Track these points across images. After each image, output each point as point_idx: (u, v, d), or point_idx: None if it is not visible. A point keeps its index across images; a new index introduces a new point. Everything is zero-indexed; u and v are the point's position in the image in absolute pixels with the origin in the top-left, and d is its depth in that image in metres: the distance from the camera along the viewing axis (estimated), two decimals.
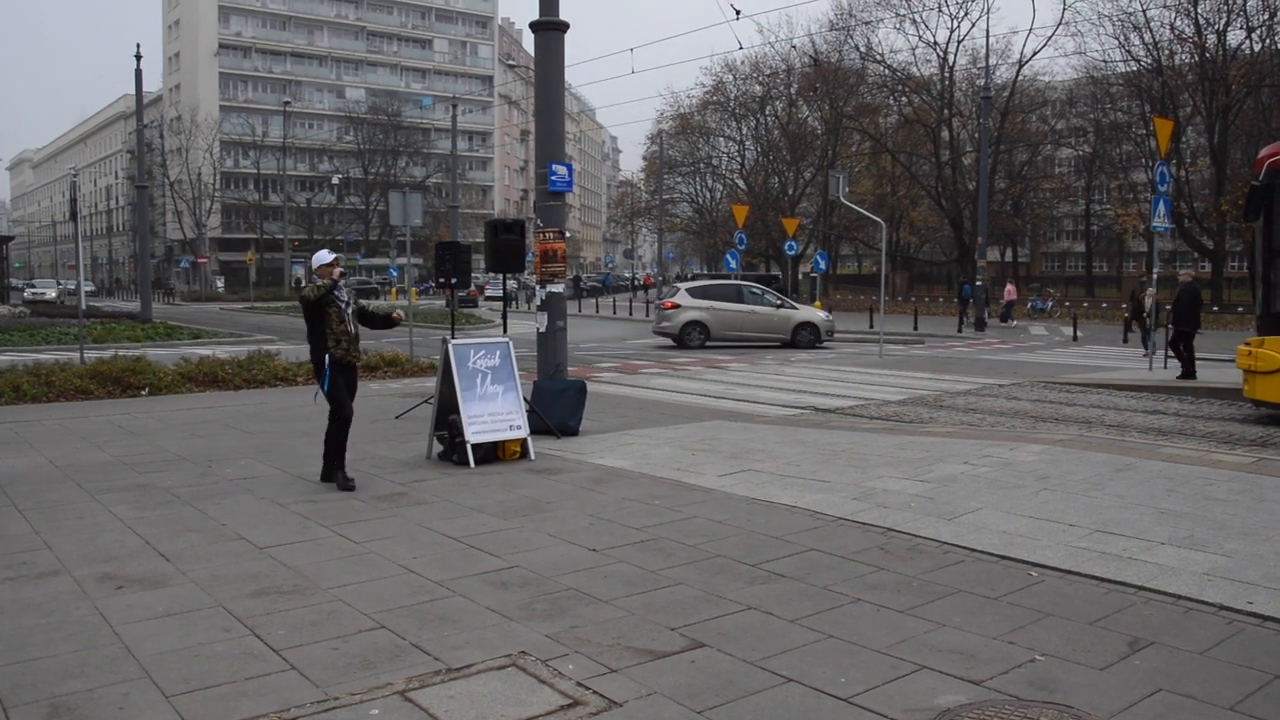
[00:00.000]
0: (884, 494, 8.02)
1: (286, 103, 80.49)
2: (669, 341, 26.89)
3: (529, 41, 12.54)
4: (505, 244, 11.46)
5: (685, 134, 72.14)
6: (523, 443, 9.73)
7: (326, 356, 8.23)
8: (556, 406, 11.02)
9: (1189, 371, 17.72)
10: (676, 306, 26.74)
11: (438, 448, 9.76)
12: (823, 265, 39.37)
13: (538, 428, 10.46)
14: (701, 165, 73.27)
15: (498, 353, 9.89)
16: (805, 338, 26.50)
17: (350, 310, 8.46)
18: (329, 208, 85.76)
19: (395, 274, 57.86)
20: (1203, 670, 4.52)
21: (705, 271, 64.29)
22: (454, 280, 12.98)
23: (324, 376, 8.29)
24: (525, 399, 10.18)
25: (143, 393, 14.68)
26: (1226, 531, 6.80)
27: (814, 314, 27.66)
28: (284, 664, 4.55)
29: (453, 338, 10.14)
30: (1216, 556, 6.23)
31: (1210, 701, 4.18)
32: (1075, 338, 31.16)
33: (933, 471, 8.91)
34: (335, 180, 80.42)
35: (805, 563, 6.17)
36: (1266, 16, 43.80)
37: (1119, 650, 4.75)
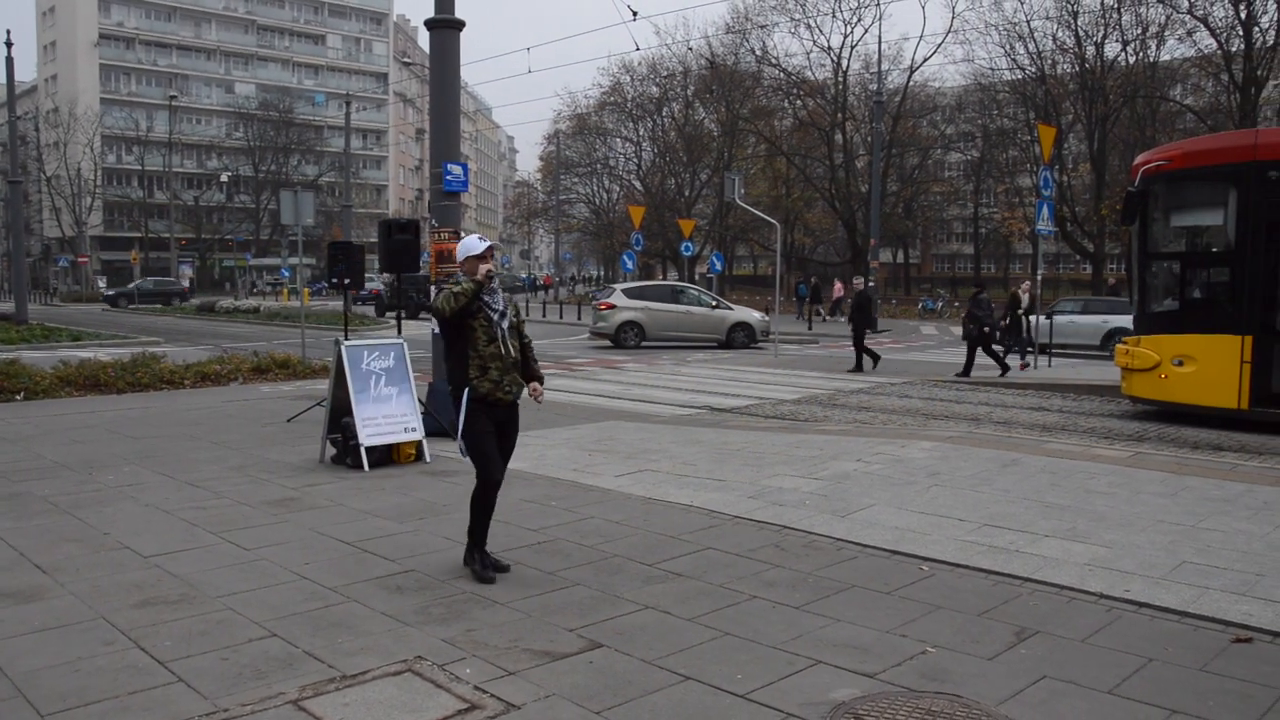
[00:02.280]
0: (779, 492, 8.12)
1: (173, 97, 78.05)
2: (606, 342, 27.19)
3: (424, 39, 12.39)
4: (399, 244, 11.29)
5: (582, 134, 72.08)
6: (418, 445, 9.62)
7: (468, 390, 5.77)
8: (452, 408, 10.88)
9: (859, 365, 19.96)
10: (612, 307, 27.00)
11: (331, 451, 9.58)
12: (719, 266, 39.75)
13: (433, 429, 10.34)
14: (598, 166, 73.27)
15: (392, 354, 9.76)
16: (740, 338, 26.82)
17: (507, 324, 5.87)
18: (218, 206, 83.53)
19: (287, 274, 56.71)
20: (1084, 657, 4.69)
21: (601, 273, 64.33)
22: (347, 280, 12.77)
23: (463, 418, 5.80)
24: (421, 401, 10.07)
25: (17, 397, 14.08)
26: (1106, 523, 7.06)
27: (749, 314, 28.12)
28: (170, 676, 4.41)
29: (346, 339, 9.97)
30: (1096, 547, 6.47)
31: (1091, 686, 4.34)
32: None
33: (827, 469, 9.06)
34: (224, 178, 78.26)
35: (702, 561, 6.22)
36: (1140, 31, 45.70)
37: (1006, 640, 4.90)
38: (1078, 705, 4.18)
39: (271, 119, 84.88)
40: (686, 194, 65.41)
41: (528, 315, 45.67)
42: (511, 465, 9.38)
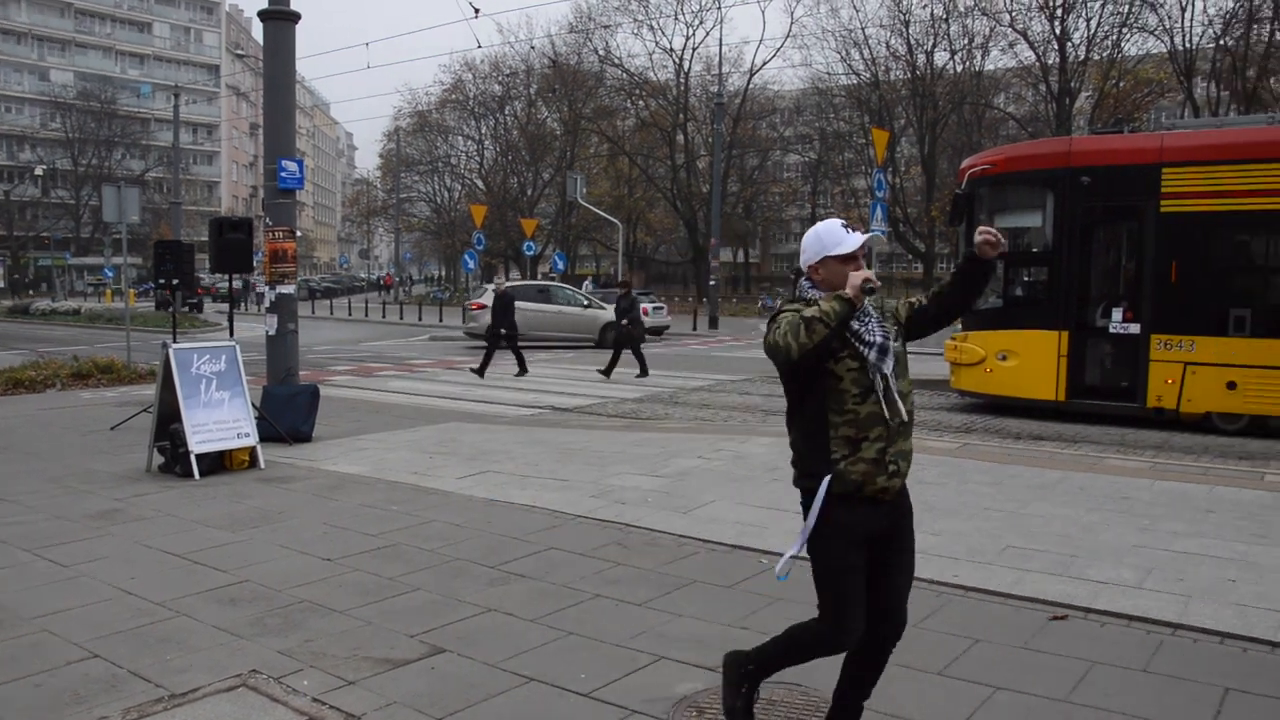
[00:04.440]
0: (621, 490, 8.18)
1: None
2: (481, 342, 26.72)
3: (259, 31, 12.00)
4: (231, 243, 10.92)
5: (423, 132, 71.06)
6: (252, 451, 9.31)
7: (828, 481, 3.44)
8: (288, 412, 10.61)
9: (483, 367, 18.72)
10: (483, 307, 26.67)
11: (159, 459, 9.18)
12: (561, 265, 39.83)
13: (268, 435, 10.04)
14: (440, 164, 72.36)
15: (224, 357, 9.42)
16: (613, 337, 26.72)
17: (891, 364, 3.47)
18: (33, 201, 78.95)
19: (110, 274, 54.09)
20: (917, 641, 4.86)
21: (442, 273, 63.58)
22: (175, 281, 12.28)
23: (814, 523, 3.47)
24: (254, 405, 9.76)
25: None
26: (936, 513, 7.35)
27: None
28: None
29: (174, 341, 9.58)
30: (928, 536, 6.71)
31: (923, 669, 4.52)
32: None
33: (669, 466, 9.16)
34: (39, 171, 74.00)
35: (545, 562, 6.21)
36: (966, 42, 48.05)
37: None
38: (910, 687, 4.34)
39: (92, 110, 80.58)
40: (529, 193, 65.21)
41: (365, 315, 44.82)
42: (349, 469, 9.32)
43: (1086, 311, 13.11)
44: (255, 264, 21.35)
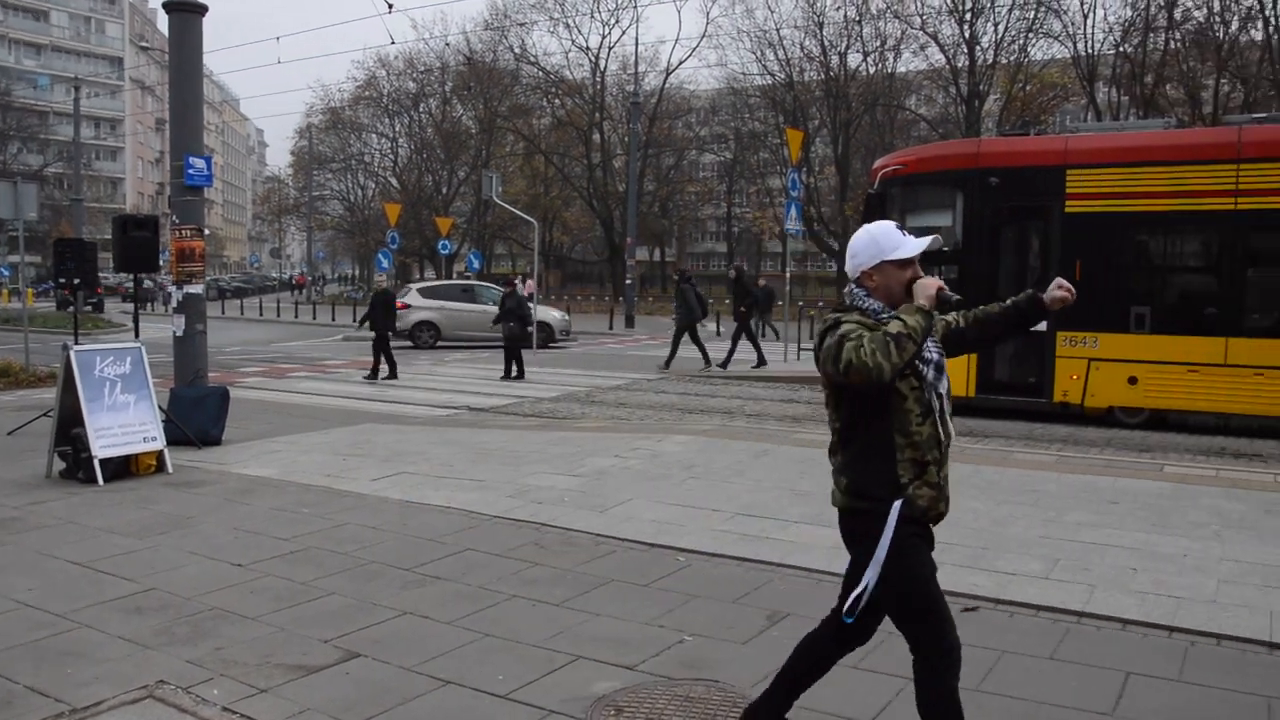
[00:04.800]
0: (538, 490, 8.15)
1: None
2: (407, 342, 26.54)
3: (165, 22, 11.70)
4: (136, 241, 10.64)
5: (336, 129, 69.99)
6: (159, 455, 9.07)
7: (899, 505, 3.28)
8: (196, 415, 10.37)
9: (373, 372, 17.83)
10: (407, 306, 26.57)
11: (60, 465, 8.88)
12: (476, 265, 39.56)
13: (176, 438, 9.79)
14: (353, 162, 71.34)
15: (128, 359, 9.16)
16: (539, 337, 26.59)
17: (946, 384, 3.37)
18: None
19: (7, 273, 52.32)
20: None
21: (357, 272, 62.75)
22: (76, 281, 11.93)
23: (888, 551, 3.29)
24: (162, 408, 9.51)
25: None
26: None
27: (549, 313, 28.01)
28: None
29: (76, 343, 9.30)
30: None
31: (841, 663, 4.54)
32: (718, 332, 32.99)
33: (585, 466, 9.15)
34: None
35: (461, 563, 6.16)
36: (879, 44, 48.83)
37: (759, 624, 5.10)
38: (830, 681, 4.38)
39: None
40: (444, 192, 64.65)
41: (277, 316, 44.02)
42: (261, 472, 9.15)
43: None
44: (162, 263, 20.83)
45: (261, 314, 45.77)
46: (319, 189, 70.91)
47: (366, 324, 18.52)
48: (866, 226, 3.37)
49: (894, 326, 3.08)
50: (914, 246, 3.28)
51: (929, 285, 3.16)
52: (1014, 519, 7.20)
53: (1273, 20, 36.01)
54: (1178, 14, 37.75)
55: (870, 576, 3.32)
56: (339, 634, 4.95)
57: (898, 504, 3.25)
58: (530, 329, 18.70)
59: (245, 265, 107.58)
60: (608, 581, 5.81)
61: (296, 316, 43.05)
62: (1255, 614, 5.24)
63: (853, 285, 3.39)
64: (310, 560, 6.23)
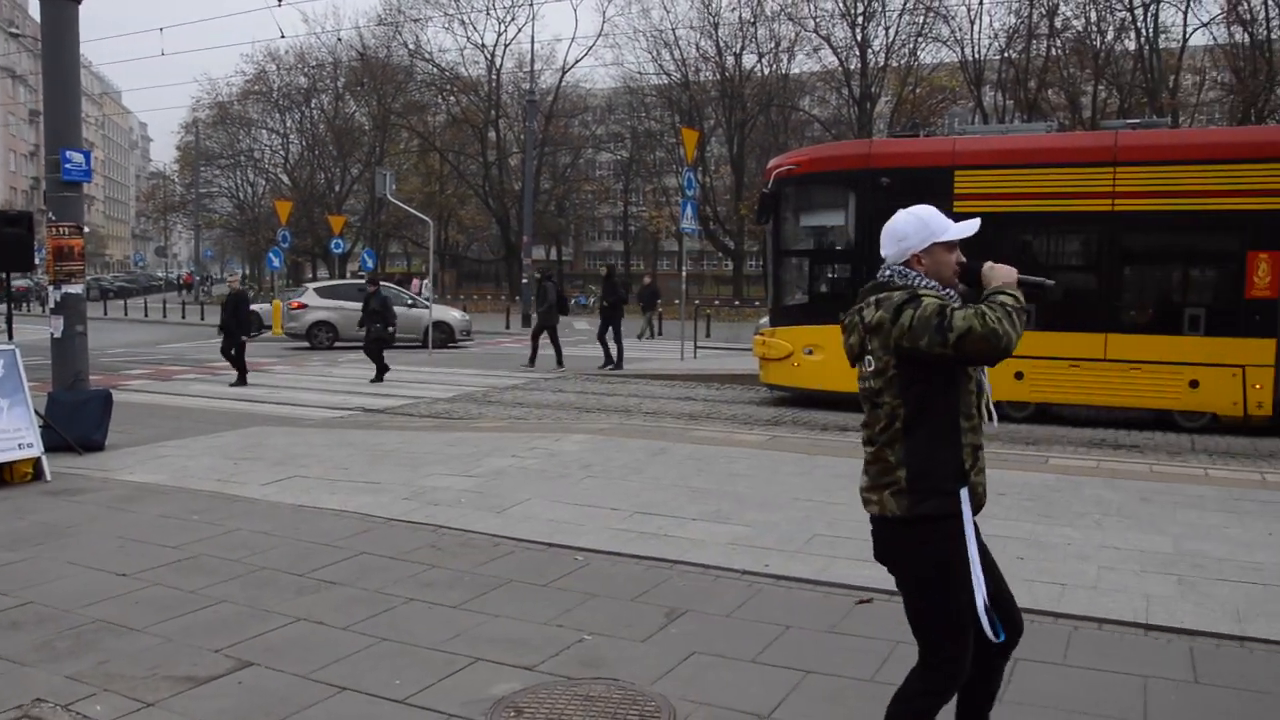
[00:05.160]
0: (435, 491, 8.06)
1: None
2: (305, 343, 26.16)
3: (37, 9, 11.27)
4: (9, 239, 10.22)
5: (224, 124, 68.10)
6: (36, 462, 8.73)
7: (964, 493, 3.12)
8: (77, 419, 10.00)
9: (240, 380, 16.83)
10: (304, 306, 26.26)
11: None
12: (370, 264, 38.96)
13: (56, 444, 9.43)
14: (242, 158, 69.52)
15: (1, 362, 8.81)
16: (439, 337, 26.18)
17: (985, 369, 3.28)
18: None
19: None
20: (730, 630, 5.00)
21: (247, 271, 61.28)
22: None
23: (974, 547, 3.12)
24: (38, 413, 9.16)
25: None
26: (746, 504, 7.54)
27: (448, 313, 27.75)
28: None
29: None
30: (739, 527, 6.90)
31: (736, 657, 4.64)
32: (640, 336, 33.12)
33: (482, 466, 9.09)
34: None
35: (356, 567, 6.06)
36: (773, 45, 49.56)
37: (657, 621, 5.12)
38: (724, 676, 4.44)
39: None
40: (337, 189, 63.48)
41: (164, 316, 42.77)
42: (147, 478, 8.88)
43: None
44: (38, 261, 20.07)
45: (147, 315, 44.35)
46: (206, 186, 68.94)
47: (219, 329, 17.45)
48: (911, 210, 3.36)
49: (1009, 300, 3.01)
50: (964, 229, 3.29)
51: (1009, 272, 3.15)
52: None
53: (1144, 32, 37.65)
54: (1058, 22, 39.20)
55: (976, 576, 3.07)
56: (230, 643, 4.83)
57: (965, 493, 3.10)
58: (392, 330, 18.39)
59: (129, 264, 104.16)
60: (506, 582, 5.78)
61: (184, 317, 41.85)
62: (1132, 597, 5.46)
63: (900, 266, 3.29)
64: (200, 568, 6.07)
